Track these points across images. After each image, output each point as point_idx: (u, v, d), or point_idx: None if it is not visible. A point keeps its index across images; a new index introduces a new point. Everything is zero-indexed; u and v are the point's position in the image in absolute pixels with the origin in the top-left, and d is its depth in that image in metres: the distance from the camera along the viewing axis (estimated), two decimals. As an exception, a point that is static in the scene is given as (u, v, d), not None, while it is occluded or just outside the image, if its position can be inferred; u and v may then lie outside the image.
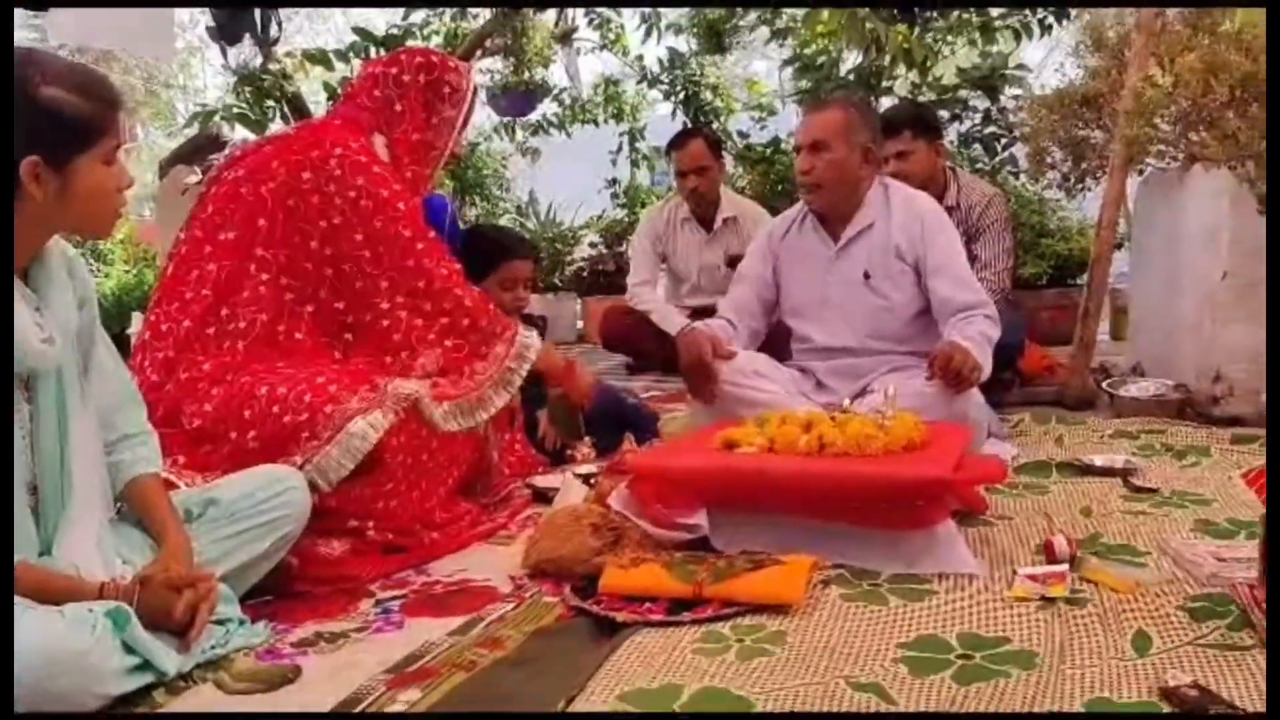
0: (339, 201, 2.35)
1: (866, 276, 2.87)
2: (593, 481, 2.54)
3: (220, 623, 1.76)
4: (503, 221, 7.19)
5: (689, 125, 6.35)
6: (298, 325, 2.37)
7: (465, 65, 2.65)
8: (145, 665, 1.58)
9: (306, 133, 2.55)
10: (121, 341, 2.07)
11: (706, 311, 4.79)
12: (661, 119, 7.60)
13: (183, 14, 8.09)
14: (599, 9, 7.05)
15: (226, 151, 5.58)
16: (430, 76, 2.55)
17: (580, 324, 6.67)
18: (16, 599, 1.51)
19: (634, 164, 7.58)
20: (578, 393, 2.87)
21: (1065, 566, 1.97)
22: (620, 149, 7.56)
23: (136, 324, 5.26)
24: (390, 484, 2.24)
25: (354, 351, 2.42)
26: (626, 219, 7.12)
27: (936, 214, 2.92)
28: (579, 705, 1.52)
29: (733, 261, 4.81)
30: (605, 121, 7.52)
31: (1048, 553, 2.04)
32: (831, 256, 2.92)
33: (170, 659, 1.61)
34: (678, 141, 4.89)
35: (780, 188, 6.14)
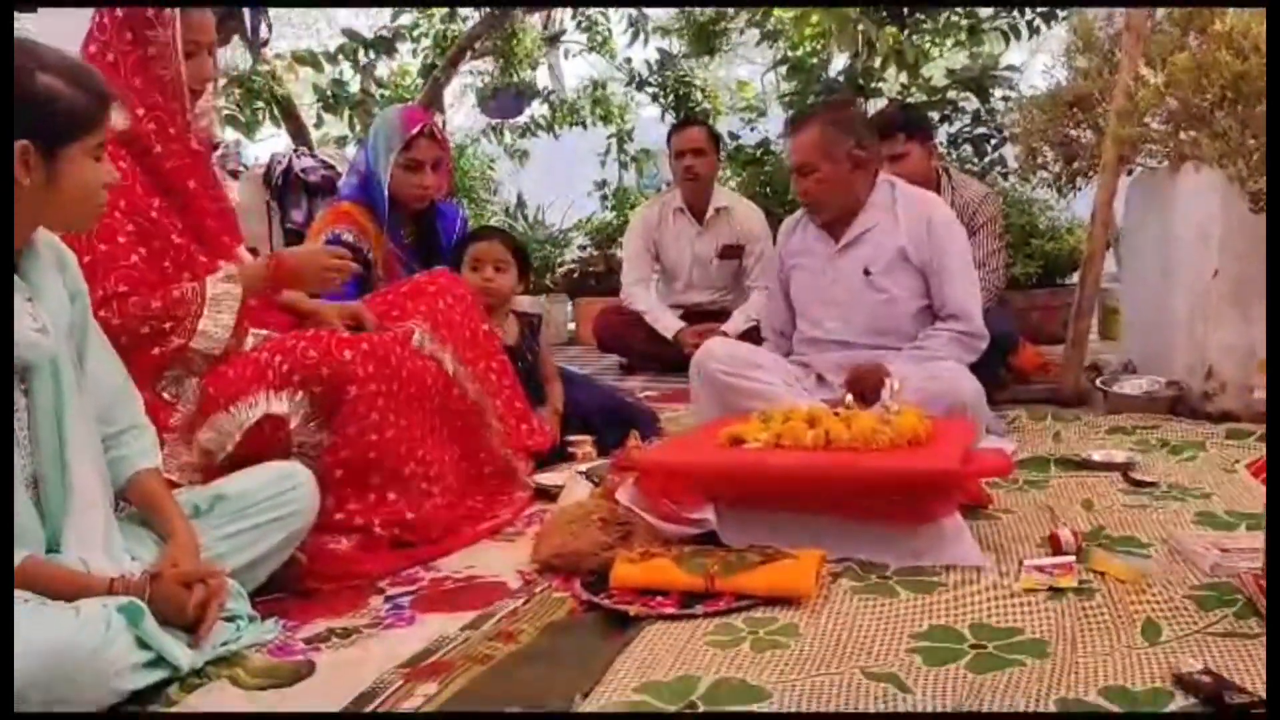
0: None
1: (867, 272, 2.90)
2: (596, 479, 2.54)
3: (230, 619, 1.75)
4: (492, 223, 7.17)
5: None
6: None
7: None
8: (159, 660, 1.56)
9: None
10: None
11: (700, 310, 4.83)
12: (649, 121, 7.62)
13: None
14: (586, 11, 7.07)
15: (219, 153, 5.60)
16: (126, 9, 2.26)
17: (572, 325, 6.67)
18: (29, 595, 1.50)
19: (622, 166, 7.59)
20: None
21: (1072, 558, 1.98)
22: (609, 151, 7.56)
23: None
24: (374, 414, 2.22)
25: None
26: (615, 221, 7.13)
27: (944, 215, 2.95)
28: (597, 696, 1.53)
29: (725, 252, 4.83)
30: (593, 124, 7.53)
31: (1053, 544, 2.06)
32: (833, 254, 2.95)
33: (184, 654, 1.60)
34: (678, 126, 4.98)
35: (769, 189, 6.17)
